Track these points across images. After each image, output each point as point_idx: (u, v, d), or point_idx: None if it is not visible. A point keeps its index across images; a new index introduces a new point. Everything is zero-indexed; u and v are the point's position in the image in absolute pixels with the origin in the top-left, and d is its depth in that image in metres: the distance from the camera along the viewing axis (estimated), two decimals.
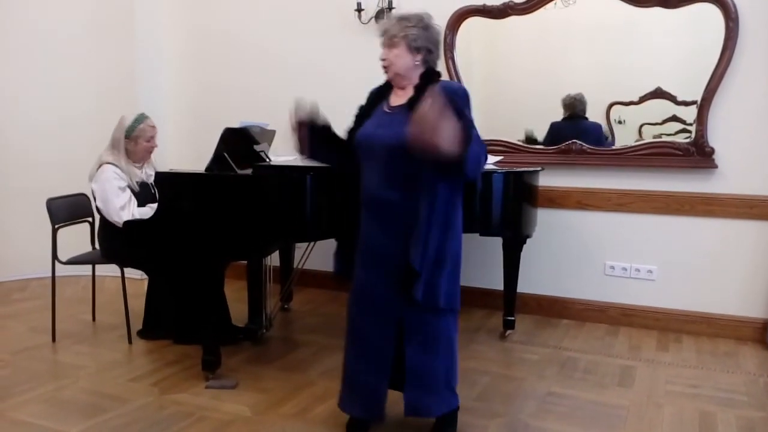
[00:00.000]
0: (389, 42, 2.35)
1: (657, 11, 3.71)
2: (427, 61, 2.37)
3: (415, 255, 2.24)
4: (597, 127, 3.99)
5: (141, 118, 3.59)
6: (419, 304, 2.28)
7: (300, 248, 3.92)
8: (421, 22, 2.34)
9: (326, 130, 2.58)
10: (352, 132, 2.47)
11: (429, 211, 2.24)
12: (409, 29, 2.32)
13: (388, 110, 2.40)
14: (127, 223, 3.38)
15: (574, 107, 4.01)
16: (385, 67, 2.39)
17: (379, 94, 2.49)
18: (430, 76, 2.36)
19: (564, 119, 4.05)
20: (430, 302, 2.29)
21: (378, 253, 2.36)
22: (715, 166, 3.68)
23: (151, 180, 3.59)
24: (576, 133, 3.99)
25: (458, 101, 2.21)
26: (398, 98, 2.40)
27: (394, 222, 2.30)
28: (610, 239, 3.99)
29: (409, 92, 2.36)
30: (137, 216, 3.40)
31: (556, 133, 4.05)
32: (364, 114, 2.46)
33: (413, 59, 2.34)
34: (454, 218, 2.33)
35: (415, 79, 2.37)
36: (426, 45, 2.34)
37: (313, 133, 2.54)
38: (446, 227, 2.29)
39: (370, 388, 2.45)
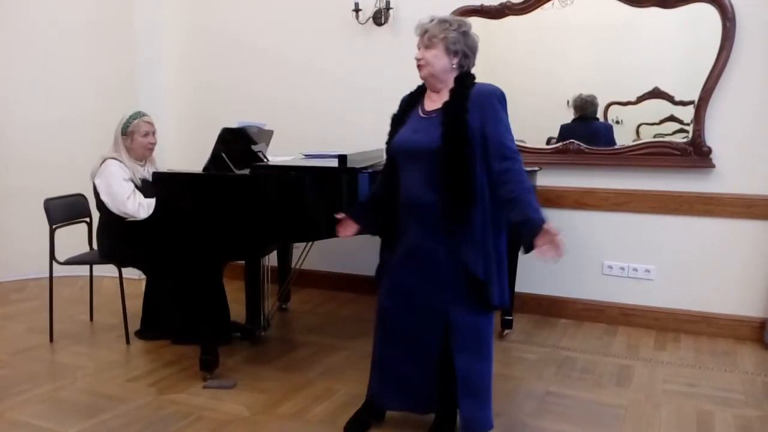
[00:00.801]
0: (428, 42, 2.36)
1: (654, 11, 3.71)
2: (462, 65, 2.39)
3: (477, 265, 2.28)
4: (608, 128, 3.96)
5: (136, 115, 3.60)
6: (497, 307, 2.34)
7: (298, 248, 3.93)
8: (462, 27, 2.37)
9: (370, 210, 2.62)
10: (391, 137, 2.48)
11: (483, 217, 2.28)
12: (449, 32, 2.34)
13: (423, 115, 2.42)
14: (125, 223, 3.38)
15: (585, 108, 4.00)
16: (420, 66, 2.39)
17: (411, 101, 2.51)
18: (464, 80, 2.37)
19: (574, 120, 4.04)
20: (503, 303, 2.34)
21: (421, 255, 2.37)
22: (713, 166, 3.68)
23: None
24: (587, 135, 3.97)
25: (496, 104, 2.28)
26: (433, 102, 2.41)
27: (435, 223, 2.32)
28: (608, 239, 3.99)
29: (444, 96, 2.37)
30: (144, 205, 3.41)
31: (567, 134, 4.03)
32: (398, 121, 2.48)
33: (450, 61, 2.36)
34: (501, 217, 2.33)
35: (450, 82, 2.38)
36: (463, 49, 2.36)
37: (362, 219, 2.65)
38: (497, 228, 2.33)
39: (416, 383, 2.46)
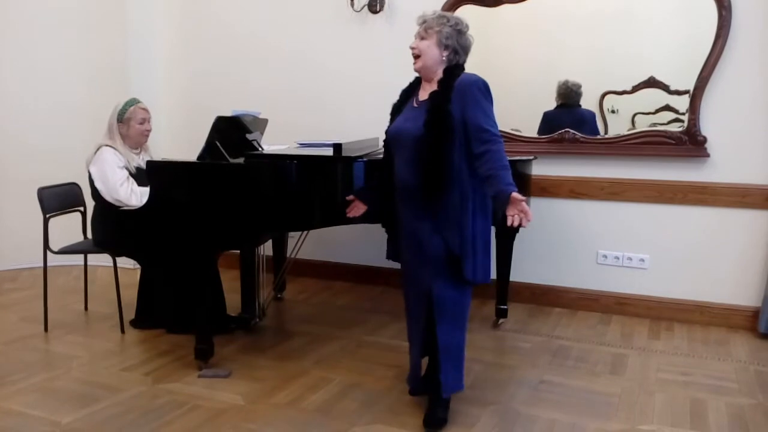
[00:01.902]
0: (424, 33, 2.50)
1: (650, 0, 3.70)
2: (451, 60, 2.51)
3: (454, 240, 2.43)
4: (591, 115, 3.98)
5: (132, 102, 3.59)
6: (471, 282, 2.48)
7: (293, 237, 3.92)
8: (458, 25, 2.50)
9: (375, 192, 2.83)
10: (389, 126, 2.65)
11: (462, 199, 2.43)
12: (445, 26, 2.47)
13: (416, 105, 2.56)
14: (120, 212, 3.37)
15: (568, 96, 4.00)
16: (415, 56, 2.52)
17: (409, 91, 2.66)
18: (452, 71, 2.48)
19: (557, 107, 4.04)
20: (477, 279, 2.48)
21: (412, 235, 2.54)
22: (708, 155, 3.69)
23: None
24: (570, 122, 3.98)
25: (475, 92, 2.40)
26: (425, 93, 2.55)
27: (419, 205, 2.48)
28: (603, 228, 4.00)
29: (434, 86, 2.50)
30: (137, 193, 3.41)
31: (549, 122, 4.04)
32: (396, 111, 2.65)
33: (440, 54, 2.48)
34: (483, 202, 2.50)
35: (439, 73, 2.50)
36: (454, 45, 2.49)
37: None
38: (478, 210, 2.47)
39: (414, 362, 2.70)
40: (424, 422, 2.55)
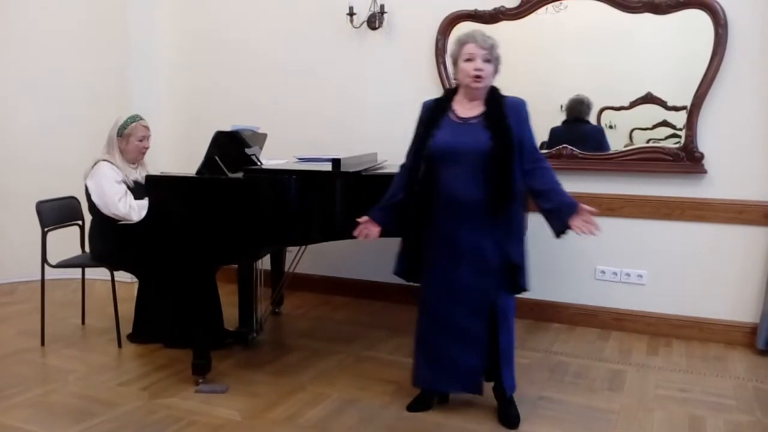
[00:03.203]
0: (489, 56, 2.60)
1: (647, 17, 3.73)
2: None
3: (517, 254, 2.63)
4: (599, 131, 3.96)
5: (134, 118, 3.61)
6: (522, 290, 2.69)
7: (291, 252, 3.92)
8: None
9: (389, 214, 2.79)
10: (423, 140, 2.65)
11: (519, 212, 2.65)
12: (499, 54, 2.65)
13: (458, 121, 2.64)
14: (118, 226, 3.37)
15: (574, 111, 4.00)
16: (479, 77, 2.58)
17: (439, 107, 2.70)
18: (497, 92, 2.66)
19: (564, 123, 4.04)
20: (528, 287, 2.70)
21: (466, 249, 2.61)
22: (705, 172, 3.70)
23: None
24: (576, 138, 3.98)
25: (526, 113, 2.63)
26: (467, 110, 2.65)
27: (481, 219, 2.57)
28: (601, 244, 3.98)
29: (477, 105, 2.63)
30: (135, 207, 3.41)
31: (555, 138, 4.04)
32: (430, 125, 2.66)
33: (494, 78, 2.66)
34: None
35: (484, 92, 2.65)
36: (497, 72, 2.68)
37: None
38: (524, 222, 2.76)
39: (465, 366, 2.72)
40: (503, 423, 2.73)
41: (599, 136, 3.97)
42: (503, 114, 2.57)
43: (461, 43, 2.62)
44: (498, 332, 2.66)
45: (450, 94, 2.74)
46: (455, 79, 2.74)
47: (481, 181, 2.54)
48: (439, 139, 2.60)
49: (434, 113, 2.68)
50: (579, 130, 4.01)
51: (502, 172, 2.52)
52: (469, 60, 2.58)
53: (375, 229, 2.72)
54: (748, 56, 3.57)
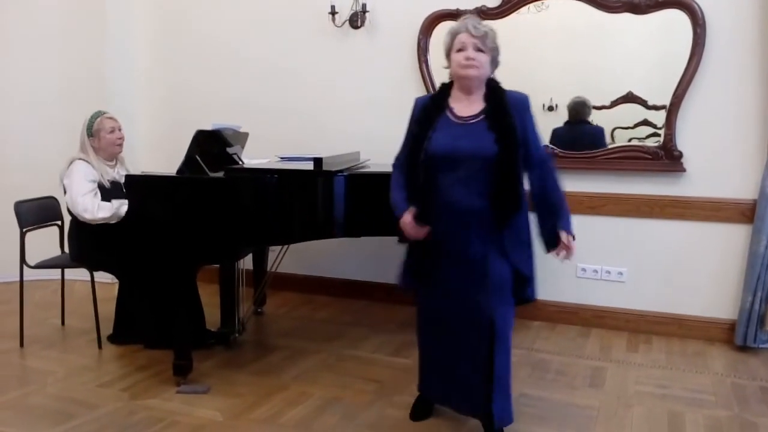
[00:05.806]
0: (482, 46, 2.38)
1: (627, 17, 3.76)
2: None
3: (527, 263, 2.45)
4: (598, 130, 3.96)
5: (98, 114, 3.57)
6: (530, 301, 2.52)
7: (273, 251, 3.91)
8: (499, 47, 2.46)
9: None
10: (419, 142, 2.42)
11: (524, 218, 2.45)
12: (496, 44, 2.43)
13: (458, 121, 2.41)
14: (96, 226, 3.34)
15: (575, 111, 4.01)
16: (471, 66, 2.37)
17: (435, 105, 2.48)
18: (496, 86, 2.44)
19: (566, 123, 4.04)
20: (535, 297, 2.52)
21: (467, 258, 2.40)
22: (684, 170, 3.74)
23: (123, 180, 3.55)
24: (577, 138, 3.99)
25: (530, 109, 2.42)
26: (465, 108, 2.42)
27: (484, 228, 2.37)
28: (582, 242, 3.94)
29: (475, 101, 2.42)
30: (95, 207, 3.31)
31: (557, 138, 4.04)
32: (425, 125, 2.43)
33: (491, 71, 2.45)
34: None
35: (482, 87, 2.43)
36: (496, 64, 2.47)
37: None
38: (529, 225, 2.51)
39: (467, 384, 2.49)
40: None
41: (600, 135, 3.98)
42: (507, 112, 2.34)
43: (453, 33, 2.43)
44: (494, 354, 2.37)
45: (445, 89, 2.50)
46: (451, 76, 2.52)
47: (483, 189, 2.33)
48: (436, 143, 2.37)
49: (429, 112, 2.45)
50: (581, 130, 4.03)
51: (509, 180, 2.32)
52: (460, 50, 2.38)
53: (422, 229, 2.45)
54: (726, 56, 3.61)
